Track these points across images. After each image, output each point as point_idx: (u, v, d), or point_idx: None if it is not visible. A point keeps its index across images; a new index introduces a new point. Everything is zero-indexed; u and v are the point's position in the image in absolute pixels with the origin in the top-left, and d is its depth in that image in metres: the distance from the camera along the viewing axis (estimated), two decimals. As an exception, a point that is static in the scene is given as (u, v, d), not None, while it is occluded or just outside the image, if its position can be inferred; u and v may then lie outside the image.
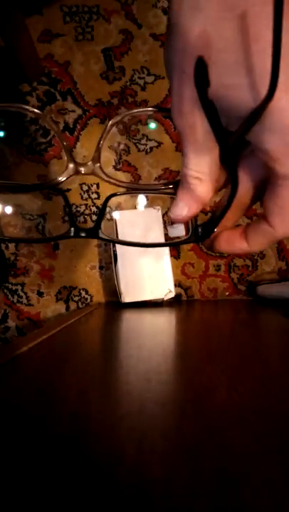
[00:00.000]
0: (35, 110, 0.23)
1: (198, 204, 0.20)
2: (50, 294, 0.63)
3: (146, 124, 0.63)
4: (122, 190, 0.26)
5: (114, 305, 0.59)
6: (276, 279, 0.60)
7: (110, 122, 0.23)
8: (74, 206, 0.63)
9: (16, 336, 0.63)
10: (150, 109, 0.27)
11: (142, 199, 0.53)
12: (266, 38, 0.14)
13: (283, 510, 0.10)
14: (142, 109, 0.25)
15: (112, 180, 0.24)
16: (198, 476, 0.12)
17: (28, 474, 0.12)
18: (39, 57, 0.61)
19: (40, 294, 0.63)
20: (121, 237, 0.50)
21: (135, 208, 0.61)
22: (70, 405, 0.17)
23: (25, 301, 0.63)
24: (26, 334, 0.61)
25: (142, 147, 0.63)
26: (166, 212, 0.62)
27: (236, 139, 0.17)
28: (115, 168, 0.63)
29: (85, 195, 0.63)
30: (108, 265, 0.63)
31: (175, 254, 0.63)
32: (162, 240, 0.51)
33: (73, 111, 0.63)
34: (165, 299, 0.52)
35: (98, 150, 0.23)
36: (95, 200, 0.63)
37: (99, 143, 0.23)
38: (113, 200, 0.66)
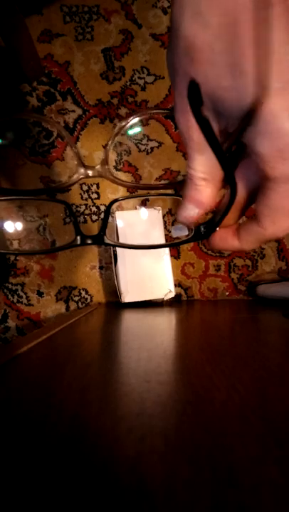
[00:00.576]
0: (48, 118, 0.24)
1: (205, 205, 0.20)
2: (50, 294, 0.63)
3: (147, 124, 0.63)
4: (124, 192, 0.26)
5: (114, 305, 0.59)
6: (276, 279, 0.60)
7: (118, 125, 0.23)
8: (74, 206, 0.63)
9: (16, 335, 0.63)
10: (162, 110, 0.27)
11: (142, 200, 0.53)
12: (261, 44, 0.14)
13: (283, 510, 0.10)
14: (153, 111, 0.25)
15: (120, 182, 0.25)
16: (198, 476, 0.12)
17: (28, 474, 0.12)
18: (39, 57, 0.61)
19: (40, 294, 0.63)
20: (121, 238, 0.50)
21: (136, 208, 0.61)
22: (70, 405, 0.17)
23: (25, 301, 0.63)
24: (26, 334, 0.61)
25: (142, 147, 0.63)
26: (166, 213, 0.63)
27: (233, 141, 0.17)
28: (116, 168, 0.63)
29: (85, 195, 0.63)
30: (108, 265, 0.63)
31: (175, 254, 0.63)
32: (163, 241, 0.51)
33: (73, 111, 0.63)
34: (165, 299, 0.52)
35: (106, 153, 0.23)
36: (95, 200, 0.63)
37: (107, 146, 0.24)
38: (112, 199, 0.66)
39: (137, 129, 0.25)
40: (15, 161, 0.62)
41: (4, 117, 0.23)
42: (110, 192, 0.63)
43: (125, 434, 0.15)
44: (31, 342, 0.30)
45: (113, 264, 0.53)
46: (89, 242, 0.23)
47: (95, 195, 0.63)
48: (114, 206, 0.63)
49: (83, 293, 0.64)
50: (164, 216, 0.53)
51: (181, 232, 0.24)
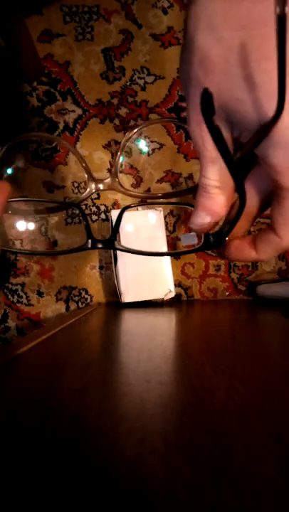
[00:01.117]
0: (54, 136, 0.25)
1: (218, 213, 0.21)
2: (50, 294, 0.63)
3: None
4: (131, 197, 0.27)
5: (114, 305, 0.59)
6: (276, 279, 0.60)
7: (125, 137, 0.24)
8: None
9: (16, 336, 0.63)
10: (165, 119, 0.28)
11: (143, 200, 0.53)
12: (276, 57, 0.14)
13: (283, 510, 0.10)
14: (156, 120, 0.26)
15: (132, 193, 0.25)
16: (198, 476, 0.12)
17: (28, 475, 0.12)
18: (39, 57, 0.61)
19: (40, 294, 0.63)
20: (122, 239, 0.50)
21: (136, 208, 0.61)
22: (70, 406, 0.17)
23: (25, 301, 0.63)
24: (26, 334, 0.61)
25: (144, 149, 0.63)
26: (168, 214, 0.63)
27: (246, 152, 0.17)
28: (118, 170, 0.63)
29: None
30: (108, 265, 0.63)
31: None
32: (164, 242, 0.51)
33: (73, 111, 0.63)
34: (165, 299, 0.52)
35: (116, 166, 0.24)
36: (95, 201, 0.63)
37: (115, 158, 0.24)
38: (111, 199, 0.66)
39: (146, 141, 0.25)
40: (18, 165, 0.62)
41: (9, 141, 0.23)
42: (110, 192, 0.63)
43: (125, 434, 0.15)
44: (31, 342, 0.30)
45: (113, 264, 0.53)
46: (100, 246, 0.24)
47: (95, 195, 0.63)
48: (111, 205, 0.63)
49: (83, 293, 0.64)
50: (165, 217, 0.53)
51: (190, 241, 0.24)
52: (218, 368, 0.22)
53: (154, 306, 0.53)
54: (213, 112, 0.14)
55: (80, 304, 0.64)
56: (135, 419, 0.16)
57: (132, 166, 0.63)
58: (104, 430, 0.15)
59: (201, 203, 0.20)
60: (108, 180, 0.24)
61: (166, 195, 0.27)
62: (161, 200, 0.28)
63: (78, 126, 0.63)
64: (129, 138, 0.25)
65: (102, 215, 0.63)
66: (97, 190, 0.25)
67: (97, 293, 0.64)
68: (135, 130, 0.25)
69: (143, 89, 0.63)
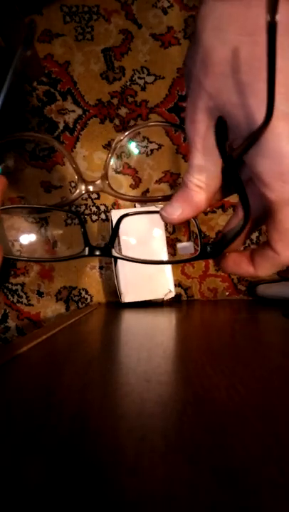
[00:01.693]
0: (44, 136, 0.25)
1: (192, 210, 0.21)
2: (50, 294, 0.63)
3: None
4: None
5: (114, 305, 0.59)
6: (276, 279, 0.60)
7: (116, 140, 0.24)
8: (74, 206, 0.63)
9: (16, 335, 0.63)
10: (158, 123, 0.28)
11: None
12: (276, 67, 0.15)
13: (283, 510, 0.10)
14: (145, 124, 0.26)
15: (122, 196, 0.25)
16: (198, 476, 0.12)
17: (28, 475, 0.12)
18: (39, 57, 0.61)
19: (40, 294, 0.63)
20: (122, 242, 0.50)
21: (134, 207, 0.61)
22: (70, 405, 0.17)
23: (25, 301, 0.63)
24: (26, 334, 0.61)
25: (142, 149, 0.63)
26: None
27: (236, 158, 0.17)
28: (115, 171, 0.63)
29: (85, 195, 0.63)
30: (108, 265, 0.63)
31: (174, 254, 0.63)
32: (164, 244, 0.51)
33: (73, 111, 0.63)
34: (165, 299, 0.52)
35: (106, 168, 0.24)
36: (95, 200, 0.63)
37: (106, 161, 0.24)
38: (111, 199, 0.66)
39: (134, 143, 0.25)
40: (15, 165, 0.62)
41: (3, 139, 0.23)
42: (110, 192, 0.63)
43: (125, 433, 0.15)
44: (31, 342, 0.30)
45: (113, 264, 0.53)
46: (97, 253, 0.24)
47: (94, 195, 0.63)
48: (111, 205, 0.63)
49: (83, 293, 0.64)
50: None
51: (187, 250, 0.24)
52: (218, 368, 0.22)
53: (154, 306, 0.53)
54: (227, 139, 0.14)
55: (80, 304, 0.64)
56: (135, 419, 0.16)
57: (130, 167, 0.63)
58: (105, 429, 0.15)
59: (178, 195, 0.21)
60: (98, 182, 0.24)
61: (157, 199, 0.27)
62: (159, 199, 0.28)
63: (78, 126, 0.63)
64: (120, 141, 0.25)
65: (102, 215, 0.63)
66: (87, 191, 0.25)
67: (97, 293, 0.64)
68: (126, 133, 0.25)
69: (143, 89, 0.63)
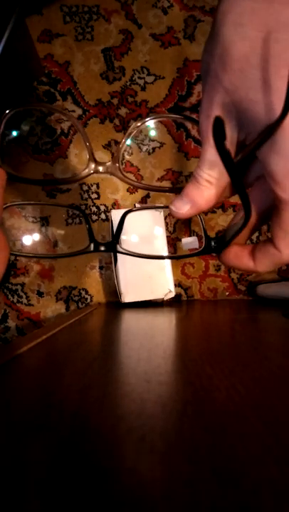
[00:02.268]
0: (63, 111, 0.25)
1: (201, 205, 0.21)
2: (50, 294, 0.63)
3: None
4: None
5: (114, 305, 0.59)
6: (276, 279, 0.60)
7: (133, 125, 0.24)
8: (74, 206, 0.63)
9: (16, 335, 0.63)
10: (178, 116, 0.28)
11: (142, 197, 0.53)
12: None
13: (283, 510, 0.10)
14: (167, 115, 0.26)
15: (129, 181, 0.25)
16: (198, 476, 0.12)
17: (27, 474, 0.12)
18: (39, 57, 0.61)
19: (40, 294, 0.63)
20: (122, 240, 0.50)
21: (134, 206, 0.61)
22: (70, 405, 0.17)
23: (25, 301, 0.63)
24: (26, 334, 0.61)
25: (144, 147, 0.63)
26: (168, 214, 0.62)
27: (247, 153, 0.17)
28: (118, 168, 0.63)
29: (85, 195, 0.63)
30: (108, 265, 0.63)
31: (175, 253, 0.63)
32: (165, 243, 0.51)
33: (73, 111, 0.63)
34: (165, 299, 0.52)
35: (118, 151, 0.24)
36: (95, 200, 0.63)
37: (120, 144, 0.24)
38: (111, 199, 0.66)
39: (152, 131, 0.25)
40: (18, 158, 0.62)
41: (18, 107, 0.23)
42: (110, 192, 0.63)
43: (125, 434, 0.15)
44: (31, 342, 0.30)
45: (113, 264, 0.53)
46: (102, 248, 0.24)
47: (94, 195, 0.63)
48: (110, 204, 0.63)
49: (83, 293, 0.64)
50: (165, 218, 0.53)
51: (191, 245, 0.24)
52: (218, 368, 0.22)
53: (154, 306, 0.53)
54: (224, 138, 0.14)
55: (80, 304, 0.64)
56: (135, 419, 0.16)
57: (132, 164, 0.63)
58: (105, 429, 0.15)
59: (187, 189, 0.21)
60: (109, 163, 0.24)
61: (163, 189, 0.27)
62: (164, 204, 0.28)
63: (78, 126, 0.63)
64: (138, 126, 0.24)
65: (102, 215, 0.63)
66: (96, 171, 0.24)
67: (97, 293, 0.64)
68: (148, 119, 0.24)
69: (143, 89, 0.63)
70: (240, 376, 0.21)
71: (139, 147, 0.63)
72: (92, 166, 0.24)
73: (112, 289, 0.63)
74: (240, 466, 0.12)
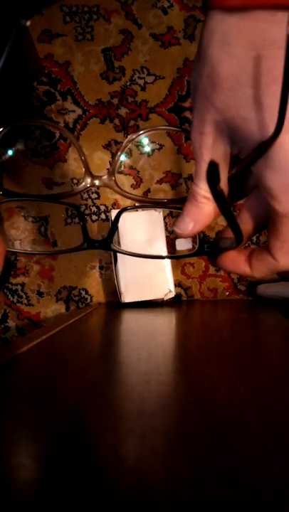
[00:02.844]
0: (58, 126, 0.25)
1: (203, 221, 0.21)
2: (50, 294, 0.63)
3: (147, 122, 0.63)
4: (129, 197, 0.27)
5: (114, 305, 0.59)
6: (276, 279, 0.60)
7: (128, 138, 0.24)
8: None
9: (16, 335, 0.63)
10: (170, 127, 0.28)
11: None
12: (284, 81, 0.15)
13: (283, 510, 0.10)
14: (161, 127, 0.26)
15: (126, 194, 0.25)
16: (198, 476, 0.12)
17: (28, 475, 0.12)
18: (39, 57, 0.61)
19: (40, 294, 0.63)
20: (121, 240, 0.50)
21: (136, 209, 0.61)
22: (70, 405, 0.18)
23: (25, 301, 0.63)
24: (26, 334, 0.61)
25: (143, 149, 0.63)
26: (167, 214, 0.62)
27: (242, 168, 0.17)
28: (117, 171, 0.63)
29: (85, 195, 0.63)
30: (108, 265, 0.63)
31: (174, 253, 0.63)
32: (164, 243, 0.51)
33: (73, 111, 0.63)
34: (165, 299, 0.52)
35: (114, 165, 0.24)
36: (95, 200, 0.63)
37: (114, 157, 0.24)
38: (111, 199, 0.66)
39: (146, 143, 0.25)
40: (17, 162, 0.62)
41: (13, 123, 0.23)
42: (110, 192, 0.63)
43: (125, 434, 0.15)
44: (31, 342, 0.30)
45: (113, 264, 0.53)
46: (96, 245, 0.24)
47: (94, 195, 0.63)
48: (111, 205, 0.63)
49: (83, 293, 0.64)
50: (164, 218, 0.53)
51: (185, 246, 0.25)
52: (218, 368, 0.22)
53: (154, 306, 0.53)
54: (218, 181, 0.14)
55: (80, 304, 0.64)
56: (135, 418, 0.16)
57: (131, 167, 0.63)
58: (105, 429, 0.15)
59: (187, 209, 0.21)
60: (105, 177, 0.24)
61: (162, 203, 0.27)
62: (161, 204, 0.28)
63: (78, 126, 0.63)
64: (132, 140, 0.25)
65: (102, 215, 0.63)
66: (92, 185, 0.25)
67: (97, 293, 0.64)
68: (140, 132, 0.25)
69: (143, 89, 0.63)
70: (240, 376, 0.21)
71: (138, 149, 0.63)
72: (88, 180, 0.24)
73: (112, 289, 0.63)
74: (240, 466, 0.12)
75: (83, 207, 0.63)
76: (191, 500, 0.11)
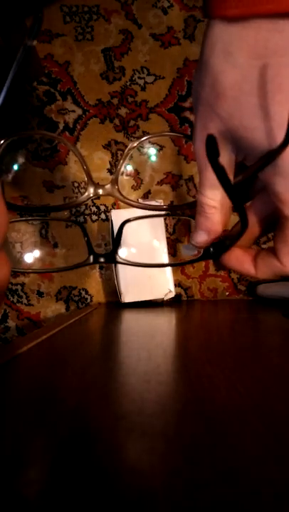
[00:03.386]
0: (58, 136, 0.25)
1: (216, 230, 0.21)
2: (50, 294, 0.63)
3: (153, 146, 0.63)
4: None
5: (114, 305, 0.59)
6: (276, 279, 0.60)
7: (129, 146, 0.24)
8: (74, 208, 0.63)
9: (16, 335, 0.63)
10: (171, 133, 0.29)
11: (142, 196, 0.53)
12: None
13: (283, 510, 0.10)
14: (160, 134, 0.26)
15: (129, 202, 0.25)
16: (198, 476, 0.12)
17: (28, 475, 0.12)
18: (39, 57, 0.61)
19: (40, 294, 0.63)
20: (122, 243, 0.50)
21: (137, 201, 0.61)
22: (70, 405, 0.17)
23: (25, 301, 0.63)
24: (26, 334, 0.61)
25: (144, 151, 0.63)
26: (168, 216, 0.62)
27: (250, 175, 0.17)
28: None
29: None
30: (108, 265, 0.63)
31: (174, 254, 0.63)
32: (165, 244, 0.51)
33: (73, 111, 0.63)
34: (165, 299, 0.52)
35: (117, 173, 0.24)
36: (95, 201, 0.63)
37: (117, 166, 0.24)
38: (111, 199, 0.66)
39: (147, 145, 0.26)
40: (18, 165, 0.62)
41: (12, 136, 0.23)
42: (110, 192, 0.63)
43: (125, 434, 0.15)
44: (31, 342, 0.30)
45: (113, 264, 0.53)
46: (102, 260, 0.24)
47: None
48: (111, 205, 0.63)
49: (83, 293, 0.64)
50: (165, 219, 0.53)
51: (191, 252, 0.25)
52: (218, 368, 0.22)
53: (154, 306, 0.53)
54: (218, 154, 0.14)
55: (80, 304, 0.64)
56: (135, 418, 0.16)
57: (132, 168, 0.63)
58: (104, 429, 0.15)
59: (199, 222, 0.21)
60: (108, 186, 0.24)
61: (164, 209, 0.27)
62: (163, 212, 0.28)
63: (78, 126, 0.63)
64: (134, 147, 0.25)
65: (102, 215, 0.63)
66: (96, 194, 0.25)
67: (97, 293, 0.64)
68: (143, 139, 0.25)
69: (143, 89, 0.63)
70: (240, 376, 0.21)
71: (139, 150, 0.63)
72: (92, 189, 0.24)
73: (112, 289, 0.63)
74: (240, 466, 0.12)
75: (83, 207, 0.63)
76: (191, 500, 0.11)
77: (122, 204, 0.63)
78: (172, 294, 0.52)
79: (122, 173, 0.24)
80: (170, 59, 0.63)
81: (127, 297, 0.51)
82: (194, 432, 0.14)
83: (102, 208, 0.63)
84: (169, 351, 0.27)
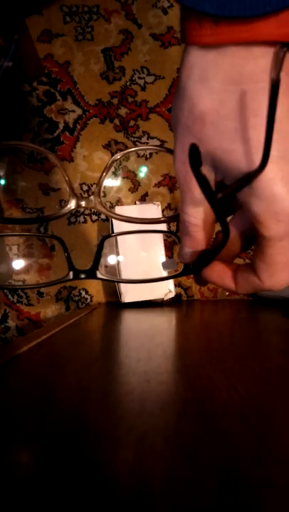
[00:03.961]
0: (39, 147, 0.25)
1: (200, 246, 0.22)
2: (50, 294, 0.63)
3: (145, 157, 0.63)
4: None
5: (114, 305, 0.59)
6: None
7: (112, 159, 0.24)
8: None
9: (16, 335, 0.63)
10: (152, 147, 0.29)
11: (142, 196, 0.53)
12: (264, 114, 0.15)
13: (283, 510, 0.10)
14: (144, 147, 0.26)
15: (114, 216, 0.25)
16: (198, 476, 0.12)
17: (28, 475, 0.12)
18: (39, 57, 0.61)
19: (40, 294, 0.63)
20: (118, 242, 0.50)
21: (134, 203, 0.61)
22: (70, 405, 0.17)
23: (25, 301, 0.63)
24: (26, 334, 0.61)
25: (141, 153, 0.63)
26: (165, 207, 0.63)
27: (228, 194, 0.18)
28: (115, 174, 0.63)
29: (85, 195, 0.63)
30: (109, 265, 0.63)
31: (172, 257, 0.63)
32: (161, 245, 0.51)
33: (73, 111, 0.63)
34: (165, 299, 0.52)
35: (99, 186, 0.24)
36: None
37: (101, 178, 0.24)
38: (113, 196, 0.66)
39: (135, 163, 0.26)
40: (13, 167, 0.62)
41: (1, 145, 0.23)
42: (111, 192, 0.63)
43: (125, 433, 0.15)
44: (31, 342, 0.30)
45: (115, 264, 0.53)
46: (82, 276, 0.24)
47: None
48: (113, 200, 0.63)
49: (83, 293, 0.64)
50: (163, 211, 0.53)
51: (171, 267, 0.25)
52: (218, 368, 0.22)
53: (154, 306, 0.53)
54: (200, 164, 0.14)
55: (80, 304, 0.64)
56: (135, 418, 0.16)
57: (129, 170, 0.63)
58: (104, 429, 0.15)
59: (183, 240, 0.22)
60: (91, 198, 0.24)
61: (152, 221, 0.27)
62: (153, 229, 0.28)
63: (78, 126, 0.63)
64: (116, 160, 0.25)
65: (102, 215, 0.63)
66: (78, 207, 0.24)
67: (97, 293, 0.64)
68: (127, 151, 0.25)
69: (143, 89, 0.63)
70: (240, 376, 0.21)
71: (136, 153, 0.63)
72: (73, 201, 0.24)
73: (112, 289, 0.63)
74: (240, 466, 0.12)
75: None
76: (191, 500, 0.11)
77: (124, 201, 0.63)
78: (172, 294, 0.52)
79: (105, 188, 0.24)
80: (170, 59, 0.63)
81: (127, 297, 0.51)
82: (194, 432, 0.14)
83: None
84: (169, 351, 0.27)
